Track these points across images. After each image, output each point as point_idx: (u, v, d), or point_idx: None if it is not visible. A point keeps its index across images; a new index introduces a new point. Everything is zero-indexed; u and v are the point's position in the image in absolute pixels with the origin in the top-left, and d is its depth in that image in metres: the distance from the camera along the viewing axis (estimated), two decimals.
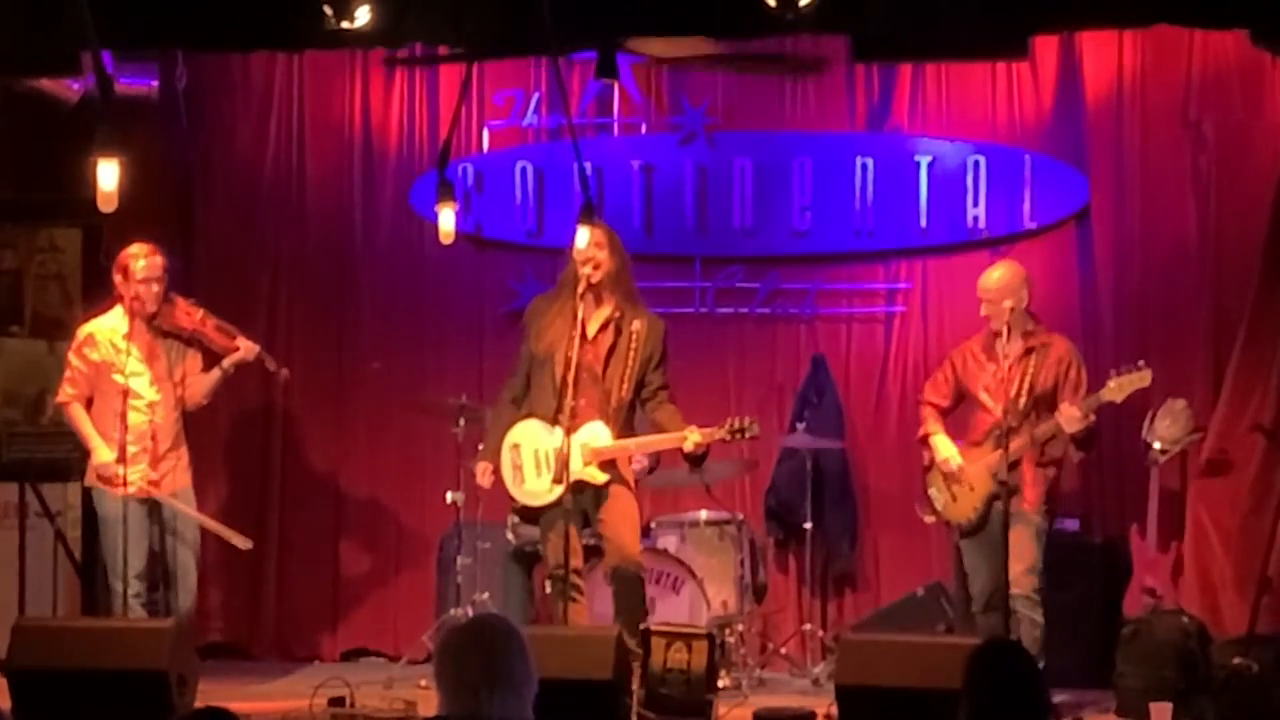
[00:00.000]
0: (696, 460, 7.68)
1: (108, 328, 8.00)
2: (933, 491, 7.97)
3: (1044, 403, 7.77)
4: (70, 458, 8.72)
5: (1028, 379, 7.73)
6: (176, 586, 8.05)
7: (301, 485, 9.48)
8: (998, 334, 7.77)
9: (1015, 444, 7.60)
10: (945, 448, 7.92)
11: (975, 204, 9.18)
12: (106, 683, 6.92)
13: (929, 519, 8.08)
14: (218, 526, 8.19)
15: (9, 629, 7.29)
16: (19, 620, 7.58)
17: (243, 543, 8.21)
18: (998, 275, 7.93)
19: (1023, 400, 7.71)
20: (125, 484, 7.75)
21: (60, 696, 6.92)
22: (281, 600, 9.40)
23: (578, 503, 7.55)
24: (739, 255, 9.40)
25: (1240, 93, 8.78)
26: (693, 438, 7.47)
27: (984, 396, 7.86)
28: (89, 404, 8.00)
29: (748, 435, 7.56)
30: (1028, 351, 7.76)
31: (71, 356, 8.05)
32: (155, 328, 7.99)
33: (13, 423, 9.34)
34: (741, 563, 8.57)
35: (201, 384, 8.11)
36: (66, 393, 8.03)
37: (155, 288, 7.91)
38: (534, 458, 7.58)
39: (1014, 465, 7.63)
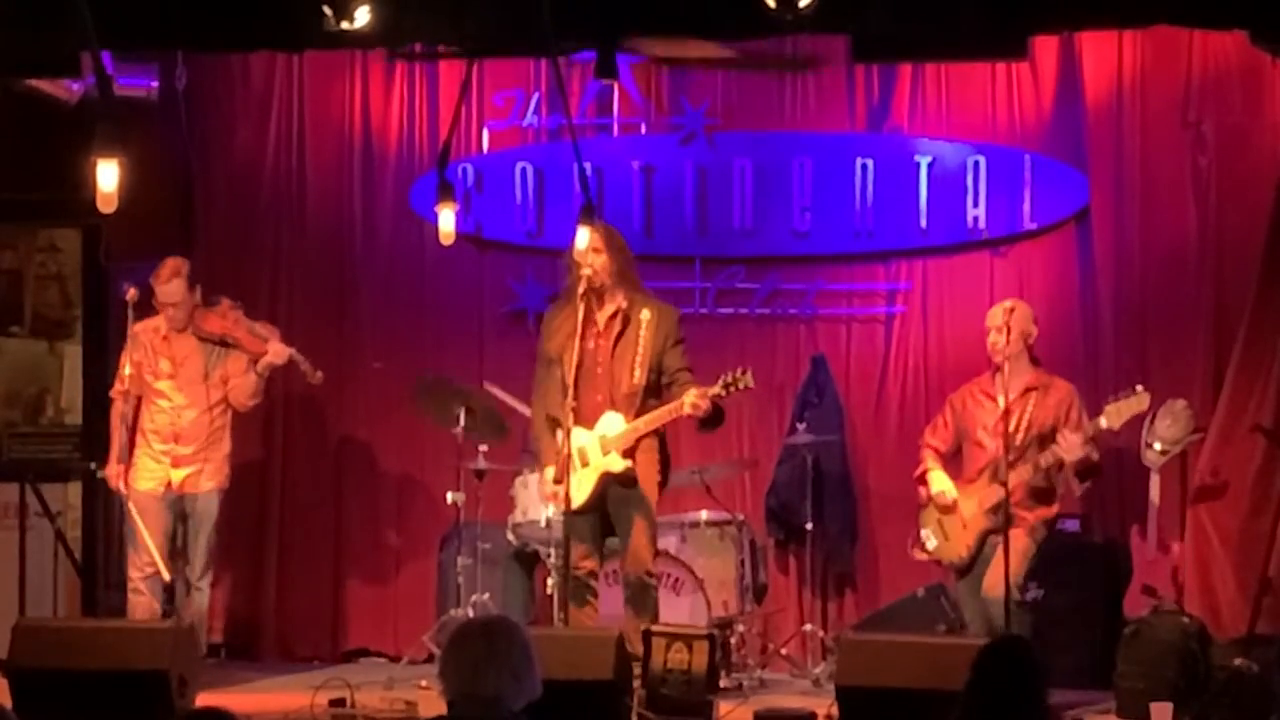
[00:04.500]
0: (709, 422, 7.67)
1: (151, 328, 8.24)
2: (926, 531, 7.99)
3: (1043, 443, 7.78)
4: (70, 458, 8.73)
5: (1027, 416, 7.75)
6: (190, 585, 8.13)
7: (301, 485, 9.47)
8: (999, 368, 7.76)
9: (1012, 479, 7.60)
10: (940, 481, 7.94)
11: (975, 204, 9.18)
12: (106, 683, 6.93)
13: (920, 556, 8.09)
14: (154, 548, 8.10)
15: (9, 629, 7.29)
16: (19, 620, 7.57)
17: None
18: (1007, 305, 7.96)
19: (1020, 436, 7.72)
20: (127, 483, 7.84)
21: (60, 696, 6.91)
22: (281, 600, 9.40)
23: (598, 508, 7.57)
24: (739, 255, 9.39)
25: (1240, 93, 8.78)
26: (688, 400, 7.47)
27: (981, 434, 7.89)
28: (139, 402, 8.22)
29: (741, 386, 7.55)
30: (1027, 391, 7.79)
31: (123, 355, 8.27)
32: (194, 331, 8.20)
33: (13, 423, 9.35)
34: (742, 563, 8.57)
35: (244, 386, 8.29)
36: (115, 389, 8.29)
37: (171, 311, 8.17)
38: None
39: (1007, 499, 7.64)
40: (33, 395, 9.30)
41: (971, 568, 7.85)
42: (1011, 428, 7.69)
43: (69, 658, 7.03)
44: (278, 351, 8.21)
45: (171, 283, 8.13)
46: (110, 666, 6.98)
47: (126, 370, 8.16)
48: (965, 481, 7.94)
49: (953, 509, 7.87)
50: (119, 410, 8.20)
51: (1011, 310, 7.85)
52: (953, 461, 8.09)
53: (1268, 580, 8.33)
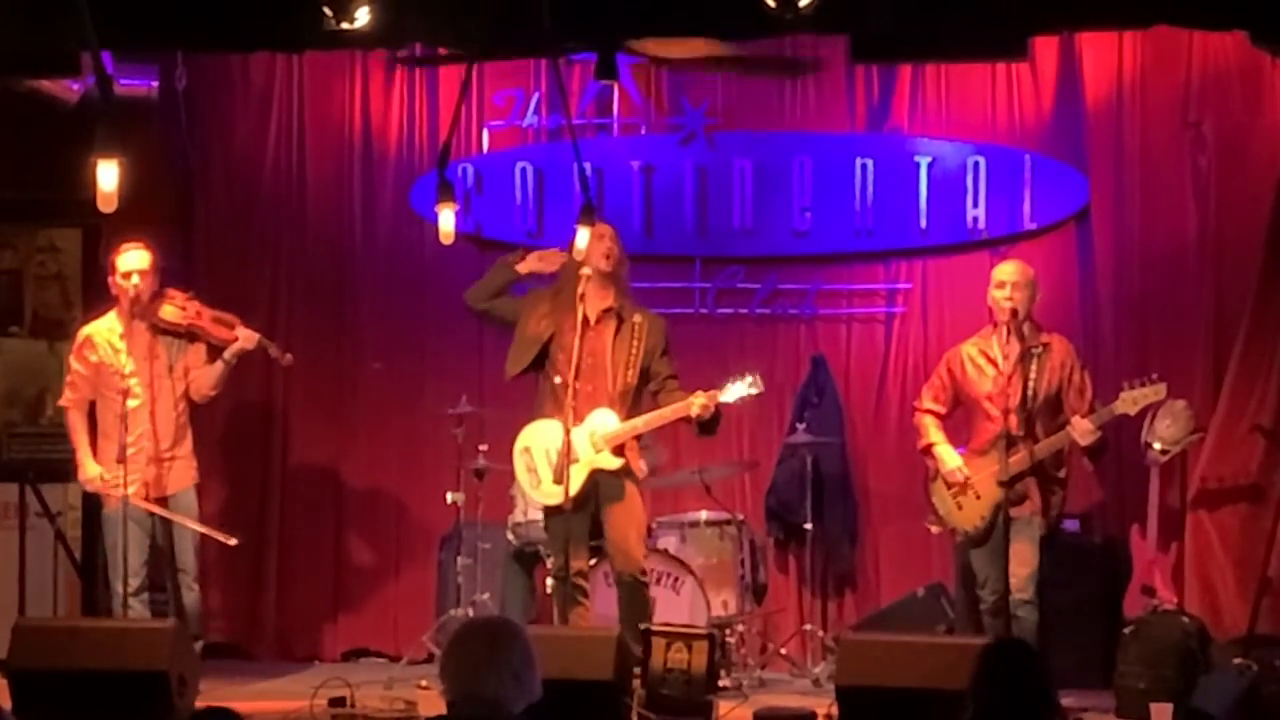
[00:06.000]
0: (708, 425, 7.66)
1: (105, 329, 8.05)
2: (936, 502, 7.93)
3: (1048, 407, 7.74)
4: (70, 458, 8.71)
5: (1030, 384, 7.70)
6: (180, 584, 8.09)
7: (302, 485, 9.47)
8: (1000, 325, 7.72)
9: (1021, 454, 7.58)
10: (951, 458, 7.86)
11: (975, 204, 9.19)
12: (106, 683, 6.92)
13: (935, 529, 8.04)
14: (206, 529, 8.15)
15: (9, 629, 7.29)
16: (19, 620, 7.57)
17: (228, 539, 8.17)
18: (1015, 264, 7.93)
19: (1029, 404, 7.69)
20: (126, 485, 7.79)
21: (60, 696, 6.91)
22: (281, 600, 9.40)
23: (586, 506, 7.56)
24: (739, 255, 9.40)
25: (1240, 93, 8.79)
26: (698, 402, 7.47)
27: (987, 405, 7.80)
28: (92, 407, 8.04)
29: (755, 391, 7.55)
30: (1026, 353, 7.72)
31: (71, 360, 8.11)
32: (152, 325, 8.02)
33: (13, 423, 9.34)
34: (741, 563, 8.57)
35: (207, 376, 8.13)
36: (67, 397, 8.12)
37: (135, 279, 7.94)
38: (545, 458, 7.59)
39: (1020, 475, 7.61)
40: (33, 395, 9.30)
41: (988, 538, 7.75)
42: (1016, 401, 7.60)
43: (69, 658, 7.02)
44: (248, 337, 8.08)
45: (133, 252, 7.92)
46: (110, 666, 6.97)
47: (82, 372, 8.00)
48: (975, 452, 7.83)
49: (966, 487, 7.82)
50: (74, 420, 8.05)
51: (1023, 270, 7.81)
52: (955, 425, 7.99)
53: (1268, 580, 8.33)
